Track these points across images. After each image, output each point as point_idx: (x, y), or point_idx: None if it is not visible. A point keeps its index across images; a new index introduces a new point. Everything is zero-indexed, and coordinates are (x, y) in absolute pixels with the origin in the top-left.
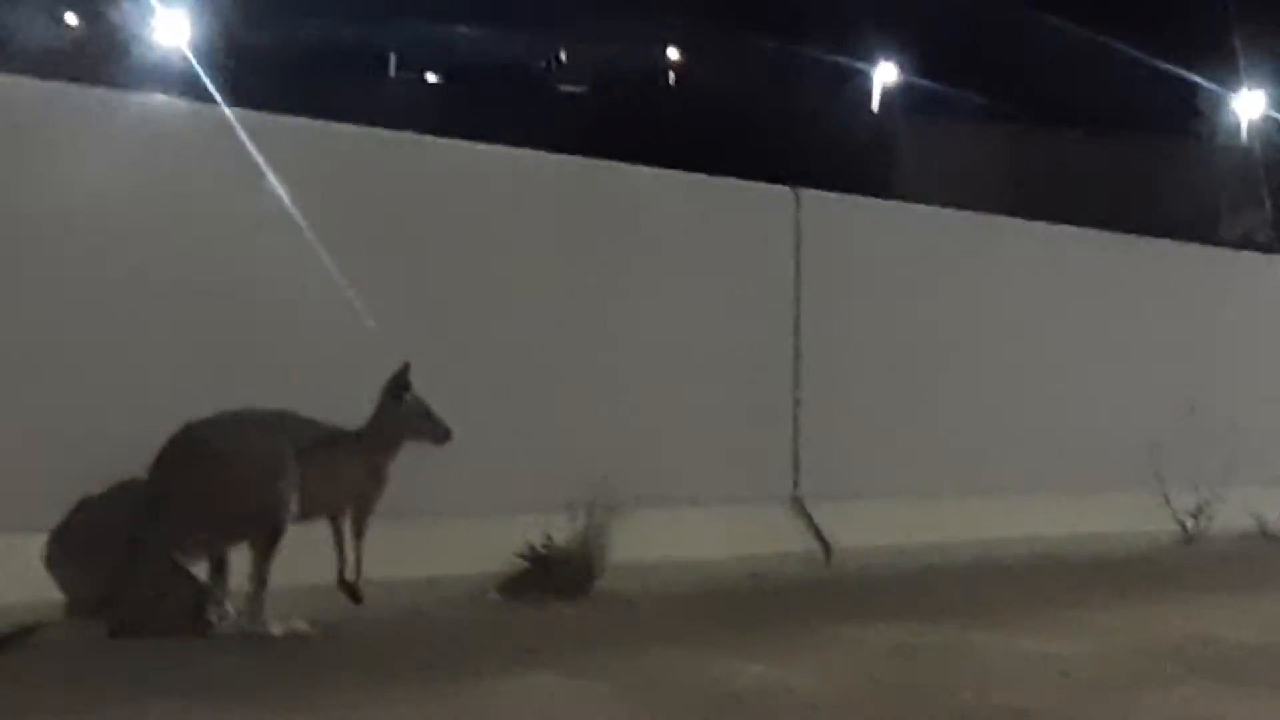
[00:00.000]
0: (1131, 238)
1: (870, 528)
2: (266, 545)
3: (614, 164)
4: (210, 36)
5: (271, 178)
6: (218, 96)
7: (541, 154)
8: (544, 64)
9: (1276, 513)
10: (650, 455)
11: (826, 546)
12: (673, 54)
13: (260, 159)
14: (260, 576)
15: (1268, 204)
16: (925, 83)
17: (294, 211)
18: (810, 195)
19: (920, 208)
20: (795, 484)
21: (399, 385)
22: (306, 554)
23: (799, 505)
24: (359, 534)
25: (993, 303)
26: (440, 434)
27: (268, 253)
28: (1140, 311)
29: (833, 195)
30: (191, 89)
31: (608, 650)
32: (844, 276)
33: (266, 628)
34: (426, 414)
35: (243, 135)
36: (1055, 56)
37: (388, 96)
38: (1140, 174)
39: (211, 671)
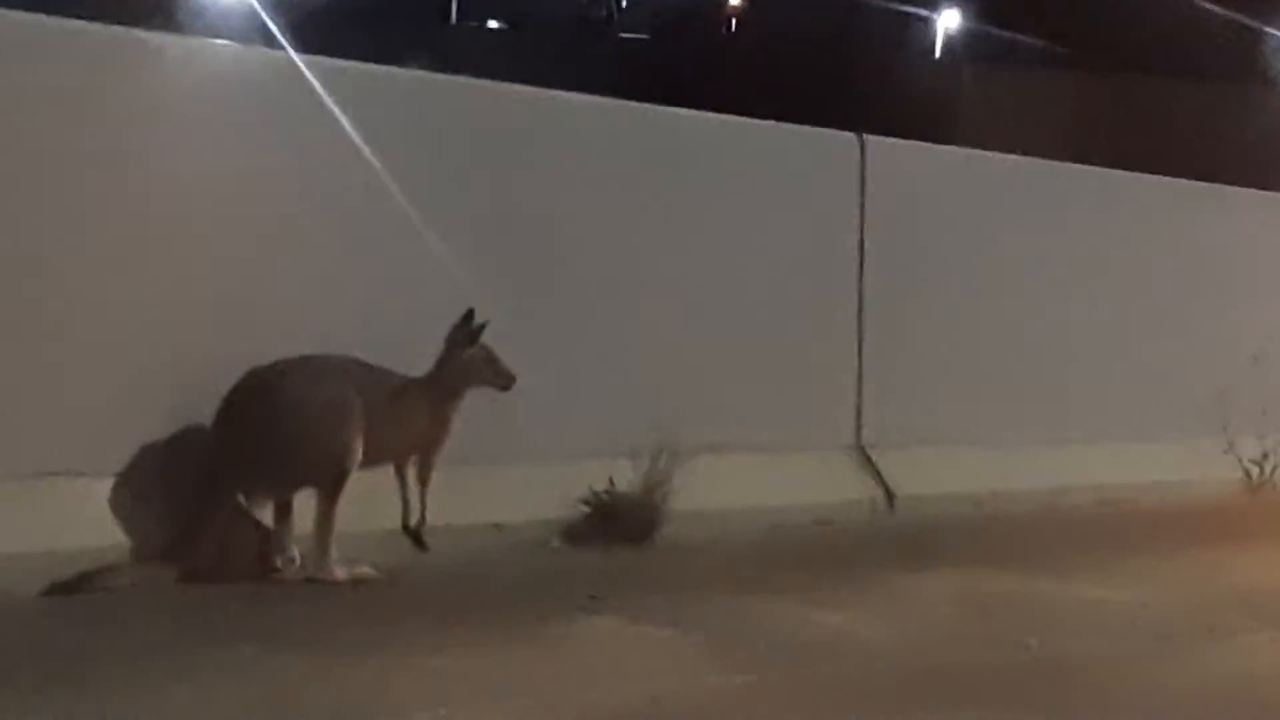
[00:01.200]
0: (1198, 184)
1: (934, 475)
2: (332, 491)
3: (675, 110)
4: None
5: (337, 123)
6: (283, 41)
7: (602, 100)
8: (605, 10)
9: None
10: (714, 402)
11: (890, 494)
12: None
13: (328, 104)
14: (325, 522)
15: None
16: (991, 27)
17: (361, 157)
18: (875, 141)
19: (985, 154)
20: (859, 431)
21: (463, 332)
22: (371, 500)
23: (862, 453)
24: (424, 481)
25: (1058, 250)
26: (505, 380)
27: (334, 198)
28: (1206, 259)
29: (898, 141)
30: (254, 34)
31: (672, 597)
32: (908, 222)
33: (332, 573)
34: (491, 360)
35: (311, 80)
36: (1124, 1)
37: (450, 43)
38: (1208, 120)
39: (277, 617)
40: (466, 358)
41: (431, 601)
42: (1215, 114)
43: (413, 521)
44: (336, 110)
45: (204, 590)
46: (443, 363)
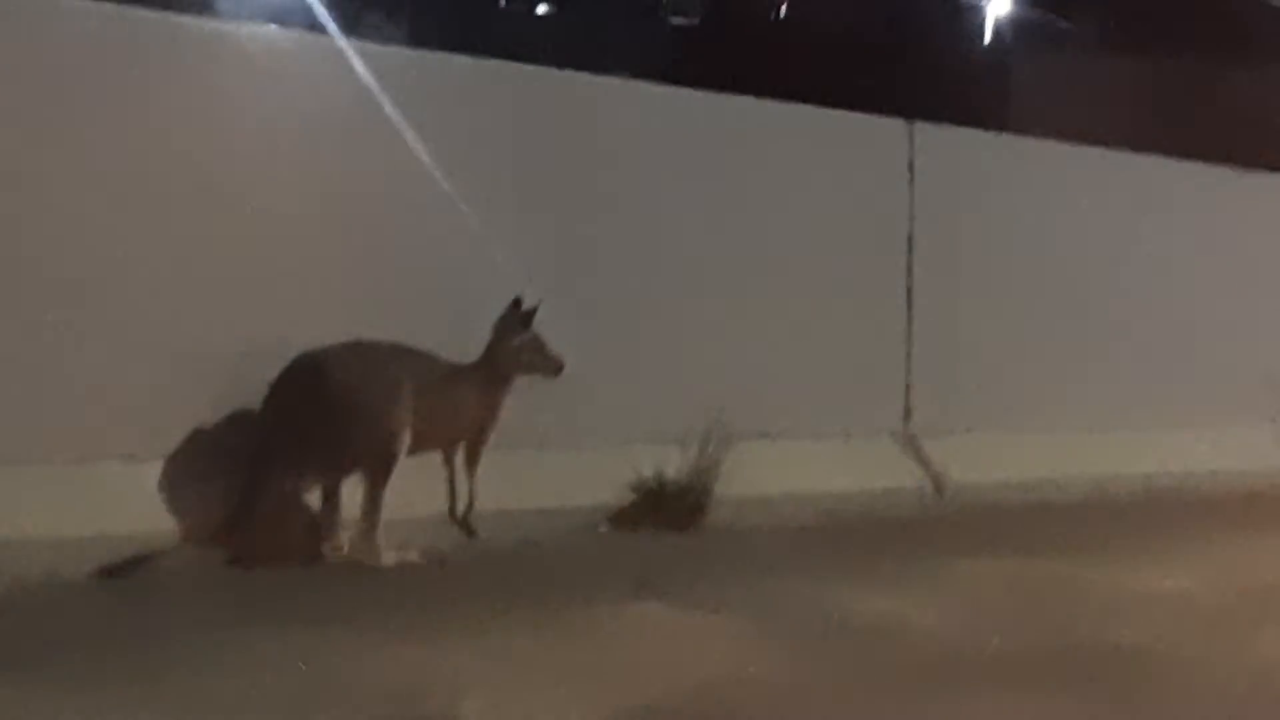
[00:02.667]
0: (1249, 172)
1: (983, 463)
2: (380, 476)
3: (725, 95)
4: None
5: (388, 109)
6: (331, 27)
7: (651, 85)
8: None
9: None
10: (763, 388)
11: (939, 481)
12: None
13: (377, 90)
14: (373, 507)
15: None
16: (1044, 11)
17: (413, 143)
18: (924, 128)
19: (1035, 141)
20: (907, 418)
21: (512, 318)
22: (420, 485)
23: (911, 439)
24: (472, 467)
25: (1108, 236)
26: (553, 368)
27: (385, 185)
28: (1259, 246)
29: (947, 127)
30: (302, 19)
31: (721, 582)
32: (957, 209)
33: (379, 558)
34: (539, 347)
35: (358, 66)
36: None
37: (498, 27)
38: (1264, 106)
39: (325, 600)
40: (515, 344)
41: (479, 586)
42: (1272, 100)
43: (460, 508)
44: (387, 96)
45: (252, 574)
46: (492, 349)
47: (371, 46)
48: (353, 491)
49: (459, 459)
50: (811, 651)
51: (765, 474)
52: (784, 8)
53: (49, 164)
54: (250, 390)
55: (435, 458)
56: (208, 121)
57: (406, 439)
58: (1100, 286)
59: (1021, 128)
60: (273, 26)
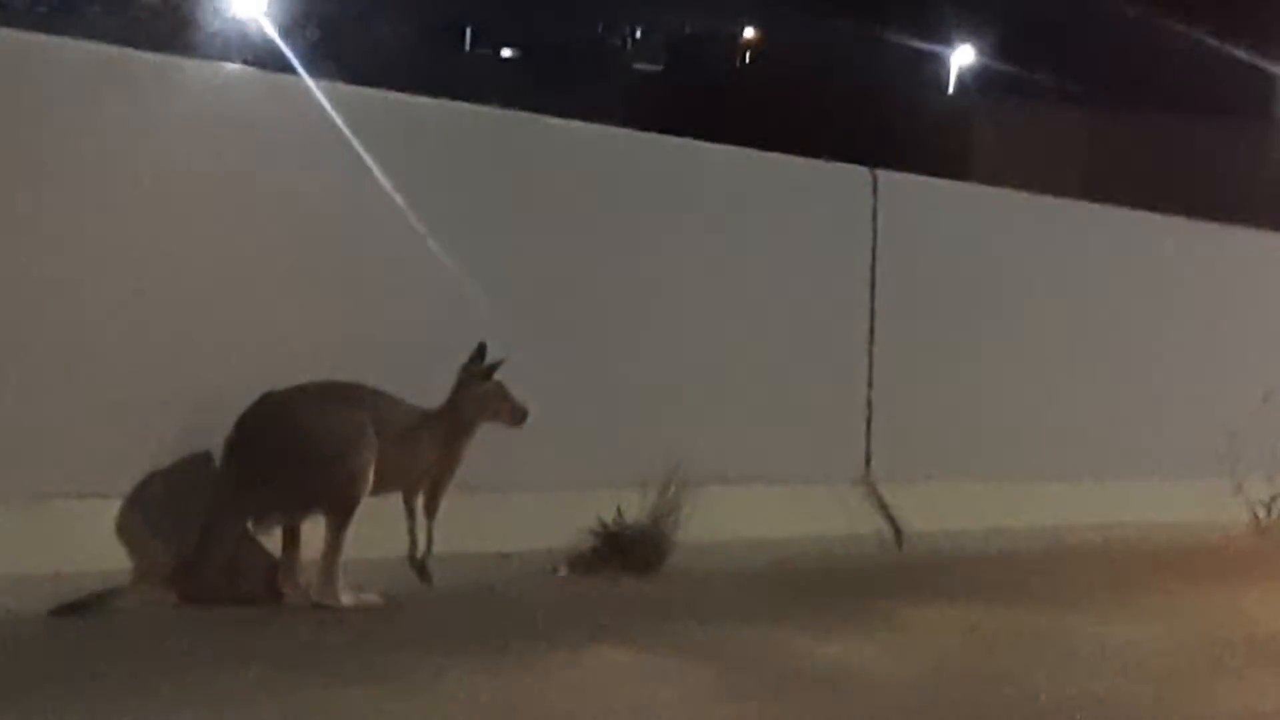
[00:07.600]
0: (1209, 224)
1: (942, 511)
2: (341, 517)
3: (688, 141)
4: (287, 8)
5: (349, 149)
6: (298, 67)
7: (614, 129)
8: (619, 41)
9: None
10: (723, 434)
11: (898, 529)
12: (749, 32)
13: (339, 130)
14: (334, 548)
15: None
16: (1005, 64)
17: (373, 184)
18: (888, 176)
19: (998, 190)
20: (867, 465)
21: (477, 366)
22: (379, 528)
23: (870, 487)
24: (431, 513)
25: (1069, 288)
26: (517, 415)
27: (347, 225)
28: (1216, 298)
29: (910, 176)
30: (268, 59)
31: (679, 628)
32: (920, 258)
33: (338, 600)
34: (503, 395)
35: (325, 106)
36: (1137, 39)
37: (463, 71)
38: (1221, 160)
39: (282, 642)
40: (480, 392)
41: (437, 629)
42: (1228, 153)
43: (419, 553)
44: (350, 137)
45: (210, 613)
46: (456, 396)
47: (335, 86)
48: (313, 532)
49: (419, 503)
50: (768, 697)
51: (724, 519)
52: (749, 56)
53: (7, 200)
54: (212, 429)
55: (395, 499)
56: (168, 161)
57: (369, 482)
58: (1061, 336)
59: (983, 177)
60: (234, 66)
